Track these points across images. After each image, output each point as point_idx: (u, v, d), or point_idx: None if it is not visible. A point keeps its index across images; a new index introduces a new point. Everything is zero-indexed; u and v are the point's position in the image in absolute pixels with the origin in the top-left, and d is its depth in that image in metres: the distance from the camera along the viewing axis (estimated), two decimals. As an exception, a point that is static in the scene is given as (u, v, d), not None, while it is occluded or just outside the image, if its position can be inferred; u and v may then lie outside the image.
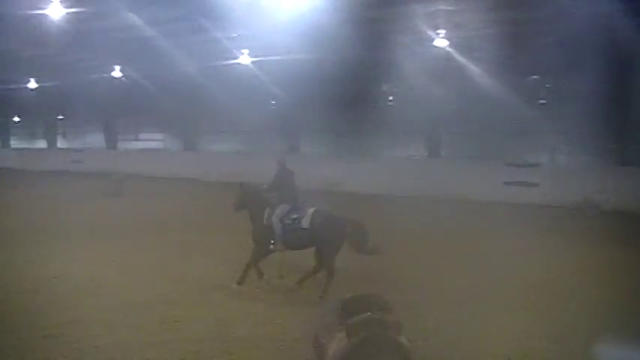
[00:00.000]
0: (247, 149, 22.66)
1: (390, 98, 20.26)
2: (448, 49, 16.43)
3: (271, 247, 6.64)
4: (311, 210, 6.57)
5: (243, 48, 18.33)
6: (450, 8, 13.97)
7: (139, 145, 29.04)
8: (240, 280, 6.67)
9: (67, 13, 13.75)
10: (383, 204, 14.25)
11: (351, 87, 17.85)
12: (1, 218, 11.72)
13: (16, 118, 35.68)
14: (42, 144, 32.93)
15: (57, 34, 15.38)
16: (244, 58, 18.72)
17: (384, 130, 18.25)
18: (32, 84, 25.44)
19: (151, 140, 30.86)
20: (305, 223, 6.47)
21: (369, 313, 2.81)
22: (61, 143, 32.75)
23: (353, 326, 2.74)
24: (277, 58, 17.19)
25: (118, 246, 9.10)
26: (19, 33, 15.59)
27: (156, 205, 14.32)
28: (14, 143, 35.27)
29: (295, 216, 6.54)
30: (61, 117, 32.71)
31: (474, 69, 16.24)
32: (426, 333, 5.20)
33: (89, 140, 30.47)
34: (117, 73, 22.35)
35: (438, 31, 15.69)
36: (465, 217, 12.62)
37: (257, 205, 6.76)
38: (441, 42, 16.08)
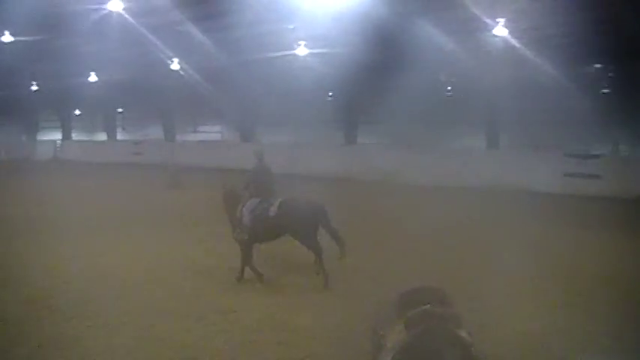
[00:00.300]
0: (304, 141, 24.99)
1: (449, 88, 21.69)
2: (508, 37, 17.67)
3: (245, 237, 7.51)
4: (279, 200, 7.50)
5: (300, 39, 20.40)
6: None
7: (197, 137, 32.35)
8: (239, 276, 7.63)
9: (126, 8, 15.99)
10: (440, 196, 15.66)
11: (409, 77, 19.38)
12: (71, 208, 13.68)
13: (77, 111, 40.51)
14: (102, 136, 37.79)
15: (117, 28, 17.79)
16: (301, 50, 20.83)
17: (442, 120, 19.81)
18: (93, 77, 29.06)
19: (209, 132, 34.41)
20: (272, 211, 7.36)
21: (428, 305, 2.95)
22: (120, 135, 37.20)
23: (412, 318, 2.88)
24: (334, 49, 19.12)
25: (175, 237, 10.32)
26: (80, 28, 18.18)
27: (214, 196, 16.89)
28: (75, 135, 40.47)
29: (264, 206, 7.46)
30: (120, 110, 36.80)
31: (534, 58, 17.42)
32: (486, 327, 5.35)
33: (148, 132, 34.30)
34: (175, 65, 25.30)
35: (498, 19, 16.97)
36: (525, 210, 13.50)
37: (233, 208, 7.71)
38: (500, 30, 17.38)
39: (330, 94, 24.20)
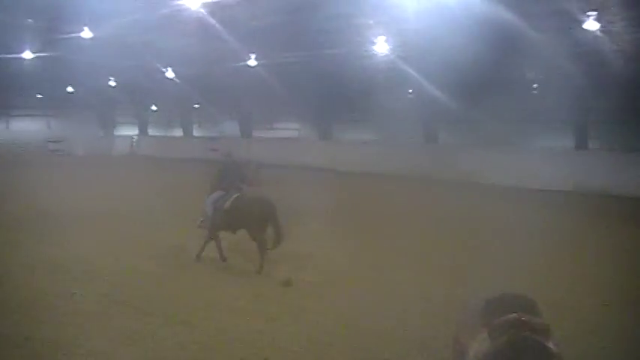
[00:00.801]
0: (383, 138, 28.21)
1: (535, 86, 23.89)
2: (598, 32, 18.01)
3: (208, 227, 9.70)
4: (235, 195, 9.45)
5: (380, 35, 22.97)
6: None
7: (274, 133, 36.85)
8: (197, 256, 9.77)
9: (204, 3, 17.74)
10: (522, 198, 17.69)
11: (493, 74, 21.26)
12: (155, 203, 16.02)
13: (154, 107, 46.47)
14: (178, 132, 44.01)
15: (193, 23, 20.83)
16: (381, 46, 23.68)
17: (527, 119, 21.97)
18: (169, 73, 33.39)
19: (286, 129, 38.92)
20: (227, 205, 9.34)
21: (514, 314, 3.14)
22: (196, 132, 42.97)
23: (497, 327, 3.09)
24: (415, 45, 21.95)
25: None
26: (158, 24, 21.33)
27: (292, 194, 17.99)
28: (151, 131, 47.07)
29: (224, 199, 9.43)
30: (196, 106, 42.09)
31: (626, 53, 18.35)
32: (573, 338, 5.87)
33: (224, 129, 39.53)
34: (252, 62, 27.67)
35: (589, 13, 17.41)
36: (614, 214, 14.95)
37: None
38: (591, 24, 17.80)
39: (410, 91, 27.17)
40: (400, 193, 19.79)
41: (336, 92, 28.33)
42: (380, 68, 24.60)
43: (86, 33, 22.50)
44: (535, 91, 23.96)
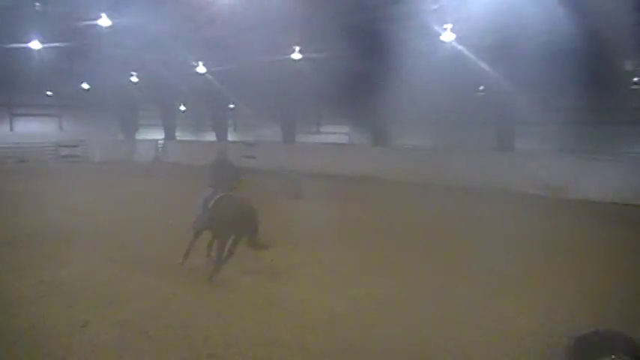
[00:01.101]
0: (448, 144, 28.29)
1: (635, 79, 23.53)
2: None
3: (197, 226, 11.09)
4: (220, 194, 10.66)
5: (446, 23, 22.77)
6: None
7: (321, 138, 37.89)
8: (182, 260, 11.10)
9: None
10: (624, 214, 18.01)
11: (582, 68, 20.51)
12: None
13: (182, 107, 47.52)
14: (210, 136, 44.55)
15: (229, 10, 21.69)
16: (447, 35, 23.22)
17: (626, 118, 21.49)
18: (200, 68, 33.75)
19: (335, 133, 39.48)
20: (210, 204, 10.63)
21: (612, 357, 3.14)
22: (231, 136, 43.38)
23: None
24: (485, 35, 21.96)
25: (311, 254, 12.54)
26: (187, 11, 22.23)
27: (339, 210, 19.21)
28: (179, 135, 47.93)
29: (211, 198, 10.74)
30: (231, 105, 42.80)
31: None
32: None
33: (263, 133, 40.52)
34: (296, 55, 28.04)
35: None
36: None
37: None
38: None
39: (481, 88, 27.10)
40: (473, 208, 19.86)
41: (392, 91, 28.53)
42: (445, 62, 24.45)
43: (104, 20, 22.98)
44: (636, 86, 23.44)
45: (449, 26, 22.67)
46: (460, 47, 23.66)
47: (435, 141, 29.63)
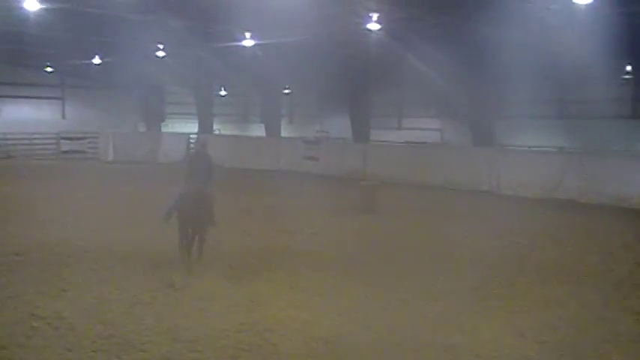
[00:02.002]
0: (581, 145, 27.76)
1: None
2: None
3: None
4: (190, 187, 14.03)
5: None
6: None
7: (404, 136, 37.52)
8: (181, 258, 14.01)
9: None
10: None
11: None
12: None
13: (222, 91, 48.14)
14: (258, 130, 44.89)
15: None
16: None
17: None
18: (248, 41, 33.08)
19: (422, 129, 39.37)
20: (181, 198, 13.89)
21: None
22: (285, 131, 43.84)
23: None
24: None
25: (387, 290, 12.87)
26: None
27: (425, 230, 19.63)
28: (218, 128, 48.70)
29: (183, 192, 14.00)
30: (287, 90, 42.97)
31: None
32: None
33: (328, 127, 40.21)
34: (373, 24, 27.57)
35: None
36: None
37: None
38: None
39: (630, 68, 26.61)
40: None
41: (502, 73, 28.23)
42: (581, 32, 24.12)
43: None
44: None
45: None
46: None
47: (566, 141, 29.03)
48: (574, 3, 22.12)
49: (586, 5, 22.12)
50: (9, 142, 44.01)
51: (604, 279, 14.02)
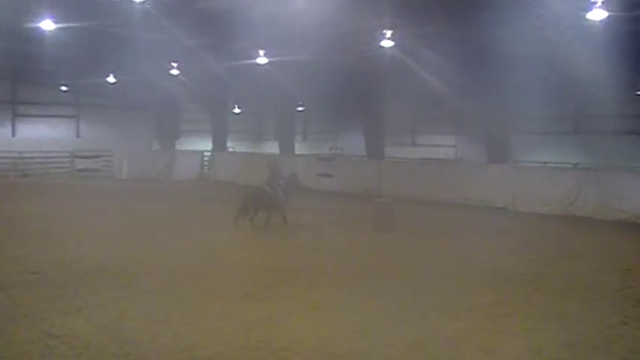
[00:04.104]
0: (601, 162, 27.68)
1: None
2: None
3: None
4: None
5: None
6: None
7: (418, 152, 37.48)
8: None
9: None
10: None
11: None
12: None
13: (237, 109, 48.27)
14: (273, 148, 45.16)
15: None
16: (597, 13, 23.06)
17: None
18: (262, 59, 33.18)
19: (437, 146, 39.44)
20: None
21: None
22: (299, 147, 44.10)
23: None
24: None
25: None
26: None
27: (442, 248, 19.50)
28: (232, 145, 49.02)
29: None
30: (300, 108, 43.06)
31: None
32: None
33: (342, 144, 40.14)
34: (386, 42, 27.86)
35: None
36: None
37: None
38: None
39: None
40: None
41: (518, 88, 28.24)
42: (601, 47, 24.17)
43: None
44: None
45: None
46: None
47: (585, 157, 29.06)
48: (588, 19, 22.12)
49: (600, 21, 22.13)
50: (25, 160, 44.21)
51: (622, 296, 13.89)
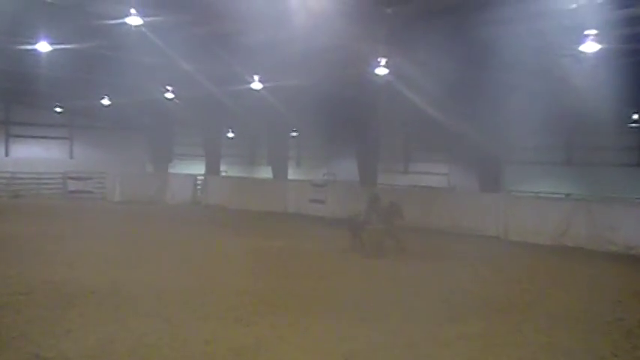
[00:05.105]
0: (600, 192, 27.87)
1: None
2: None
3: None
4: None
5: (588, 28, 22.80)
6: None
7: (411, 179, 37.51)
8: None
9: None
10: None
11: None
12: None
13: (230, 133, 48.20)
14: (265, 172, 45.33)
15: (296, 11, 21.87)
16: (590, 45, 23.08)
17: None
18: (256, 84, 33.12)
19: (429, 174, 39.58)
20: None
21: None
22: (292, 172, 43.80)
23: None
24: None
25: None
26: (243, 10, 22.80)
27: (434, 274, 19.71)
28: (225, 169, 48.89)
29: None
30: (294, 133, 43.18)
31: None
32: None
33: (334, 169, 40.30)
34: (381, 69, 27.37)
35: None
36: None
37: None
38: None
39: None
40: None
41: (512, 117, 28.43)
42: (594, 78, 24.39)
43: (133, 19, 22.44)
44: None
45: (591, 32, 22.14)
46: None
47: (578, 187, 29.29)
48: (582, 51, 22.27)
49: (594, 54, 22.31)
50: (17, 181, 44.23)
51: (613, 328, 13.89)
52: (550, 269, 21.55)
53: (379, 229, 22.65)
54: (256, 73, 32.27)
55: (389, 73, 27.80)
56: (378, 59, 26.94)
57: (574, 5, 19.26)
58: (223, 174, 48.49)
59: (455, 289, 17.33)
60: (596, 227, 25.62)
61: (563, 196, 32.76)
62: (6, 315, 12.95)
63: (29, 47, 26.99)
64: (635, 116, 36.00)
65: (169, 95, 39.03)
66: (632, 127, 37.16)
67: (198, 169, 48.08)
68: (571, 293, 17.43)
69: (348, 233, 23.66)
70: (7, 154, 48.63)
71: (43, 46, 26.58)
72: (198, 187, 44.99)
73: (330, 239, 26.18)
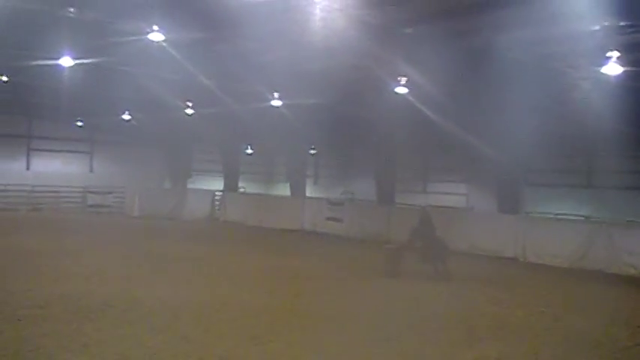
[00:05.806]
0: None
1: None
2: None
3: None
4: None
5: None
6: None
7: (429, 200, 37.55)
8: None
9: None
10: None
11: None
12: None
13: (249, 150, 48.33)
14: (284, 190, 45.27)
15: (316, 31, 22.33)
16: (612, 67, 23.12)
17: None
18: (276, 101, 33.19)
19: (448, 194, 39.48)
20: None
21: None
22: (310, 190, 43.89)
23: None
24: None
25: None
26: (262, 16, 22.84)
27: (452, 300, 19.20)
28: (244, 186, 48.72)
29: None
30: (313, 151, 43.16)
31: None
32: None
33: (353, 189, 40.72)
34: (401, 88, 27.42)
35: None
36: None
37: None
38: None
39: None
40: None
41: (531, 141, 28.41)
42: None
43: (155, 35, 22.66)
44: None
45: (614, 54, 22.02)
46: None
47: (596, 210, 29.26)
48: (603, 74, 22.19)
49: (615, 77, 22.22)
50: (36, 194, 44.45)
51: (632, 354, 13.83)
52: (568, 292, 21.47)
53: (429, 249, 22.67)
54: (276, 91, 32.33)
55: (408, 93, 27.78)
56: (398, 78, 26.91)
57: (597, 27, 19.20)
58: (241, 190, 48.51)
59: (472, 311, 17.25)
60: (615, 251, 25.46)
61: (583, 218, 32.59)
62: (23, 328, 12.91)
63: (52, 62, 27.25)
64: (657, 139, 35.89)
65: (189, 111, 39.00)
66: (652, 151, 37.01)
67: (216, 185, 48.34)
68: (589, 317, 17.24)
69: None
70: (28, 168, 48.76)
71: (66, 61, 26.77)
72: (217, 203, 45.14)
73: (347, 258, 26.14)
